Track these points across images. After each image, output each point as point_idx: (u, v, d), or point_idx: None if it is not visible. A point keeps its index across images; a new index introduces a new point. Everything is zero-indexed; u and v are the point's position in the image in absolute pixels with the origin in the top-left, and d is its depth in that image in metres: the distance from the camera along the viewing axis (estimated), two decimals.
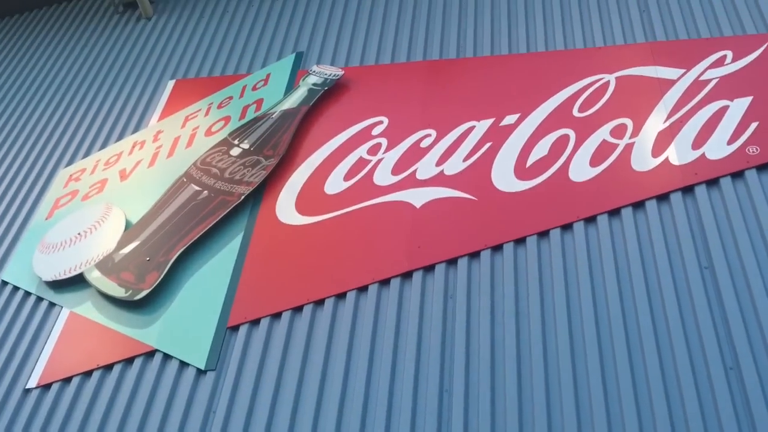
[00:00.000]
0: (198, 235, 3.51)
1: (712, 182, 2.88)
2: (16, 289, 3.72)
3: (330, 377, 2.84)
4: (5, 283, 3.78)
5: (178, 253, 3.46)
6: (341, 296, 3.08)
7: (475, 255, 3.00)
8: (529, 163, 3.23)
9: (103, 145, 4.40)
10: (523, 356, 2.64)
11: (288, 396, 2.83)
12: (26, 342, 3.43)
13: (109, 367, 3.17)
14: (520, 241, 2.98)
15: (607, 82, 3.42)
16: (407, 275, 3.04)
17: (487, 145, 3.37)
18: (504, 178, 3.21)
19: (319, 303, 3.09)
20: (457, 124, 3.53)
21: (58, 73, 5.13)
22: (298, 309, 3.10)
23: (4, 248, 4.00)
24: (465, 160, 3.36)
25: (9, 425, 3.10)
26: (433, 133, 3.55)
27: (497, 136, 3.40)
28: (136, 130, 4.41)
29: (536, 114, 3.39)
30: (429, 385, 2.67)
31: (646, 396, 2.42)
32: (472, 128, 3.48)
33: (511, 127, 3.40)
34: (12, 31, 5.77)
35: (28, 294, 3.67)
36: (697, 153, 2.97)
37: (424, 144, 3.52)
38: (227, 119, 4.17)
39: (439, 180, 3.33)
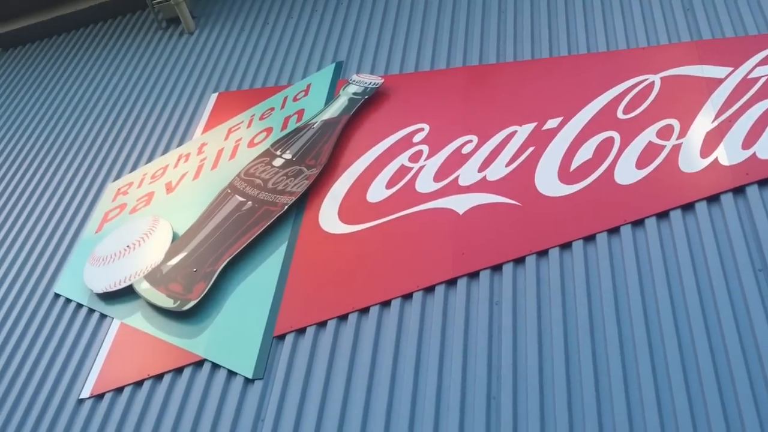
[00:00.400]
0: (243, 245, 3.55)
1: (764, 182, 2.81)
2: (68, 301, 3.82)
3: (376, 385, 2.84)
4: (58, 295, 3.88)
5: (224, 264, 3.51)
6: (386, 304, 3.09)
7: (520, 261, 2.98)
8: (574, 166, 3.19)
9: (150, 159, 4.49)
10: (571, 363, 2.60)
11: (335, 404, 2.84)
12: (79, 353, 3.51)
13: (159, 377, 3.22)
14: (566, 246, 2.94)
15: (652, 83, 3.36)
16: (452, 282, 3.03)
17: (530, 149, 3.35)
18: (548, 182, 3.18)
19: (364, 311, 3.10)
20: (499, 129, 3.51)
21: (105, 89, 5.26)
22: (344, 317, 3.11)
23: (56, 261, 4.11)
24: (507, 165, 3.34)
25: None
26: (475, 138, 3.53)
27: (540, 140, 3.37)
28: (181, 143, 4.49)
29: (579, 117, 3.35)
30: (476, 392, 2.65)
31: (701, 406, 2.35)
32: (513, 133, 3.46)
33: (554, 131, 3.36)
34: (60, 49, 5.93)
35: (80, 306, 3.75)
36: (748, 153, 2.90)
37: (465, 150, 3.51)
38: (269, 130, 4.22)
39: (481, 186, 3.31)
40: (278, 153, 4.00)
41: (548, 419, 2.50)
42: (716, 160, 2.94)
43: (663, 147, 3.08)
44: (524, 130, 3.44)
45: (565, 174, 3.18)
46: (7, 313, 3.91)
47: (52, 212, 4.45)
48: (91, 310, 3.69)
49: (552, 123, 3.39)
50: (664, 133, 3.13)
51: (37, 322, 3.78)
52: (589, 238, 2.94)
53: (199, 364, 3.20)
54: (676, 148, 3.05)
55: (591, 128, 3.29)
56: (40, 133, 5.17)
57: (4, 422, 3.33)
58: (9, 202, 4.70)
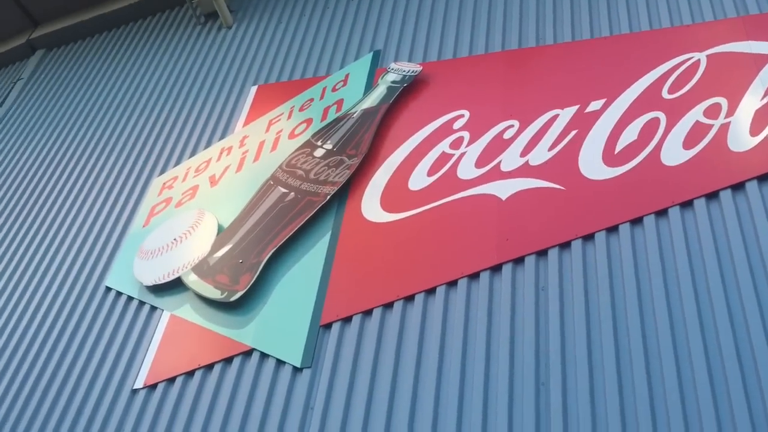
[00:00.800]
0: (287, 236, 3.59)
1: None
2: (119, 294, 3.91)
3: (424, 372, 2.85)
4: (109, 289, 3.97)
5: (269, 255, 3.55)
6: (431, 291, 3.09)
7: (566, 245, 2.95)
8: (618, 149, 3.14)
9: (193, 153, 4.56)
10: (621, 346, 2.57)
11: (383, 391, 2.86)
12: (131, 344, 3.59)
13: (209, 367, 3.28)
14: (613, 230, 2.91)
15: (698, 61, 3.29)
16: (497, 268, 3.02)
17: (573, 132, 3.31)
18: (592, 165, 3.14)
19: (410, 299, 3.11)
20: (541, 113, 3.47)
21: (147, 85, 5.34)
22: (389, 305, 3.13)
23: (106, 256, 4.20)
24: (550, 149, 3.31)
25: (120, 424, 3.26)
26: (516, 123, 3.50)
27: (583, 123, 3.32)
28: (222, 136, 4.54)
29: (623, 98, 3.29)
30: (525, 378, 2.65)
31: (756, 390, 2.31)
32: (556, 117, 3.42)
33: (597, 113, 3.32)
34: (102, 48, 6.04)
35: (130, 299, 3.84)
36: None
37: (507, 135, 3.48)
38: (309, 121, 4.25)
39: (524, 171, 3.28)
40: (319, 143, 4.02)
41: (599, 404, 2.48)
42: (766, 138, 2.86)
43: (711, 126, 3.01)
44: (566, 113, 3.40)
45: (610, 156, 3.13)
46: (61, 308, 4.02)
47: (101, 208, 4.55)
48: (141, 303, 3.78)
49: (595, 105, 3.35)
50: (712, 112, 3.06)
51: (90, 315, 3.88)
52: (637, 221, 2.90)
53: (248, 353, 3.25)
54: (725, 127, 2.98)
55: (635, 109, 3.23)
56: (86, 132, 5.28)
57: (62, 412, 3.44)
58: (58, 201, 4.82)
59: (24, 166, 5.32)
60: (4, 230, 4.82)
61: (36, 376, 3.69)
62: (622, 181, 3.03)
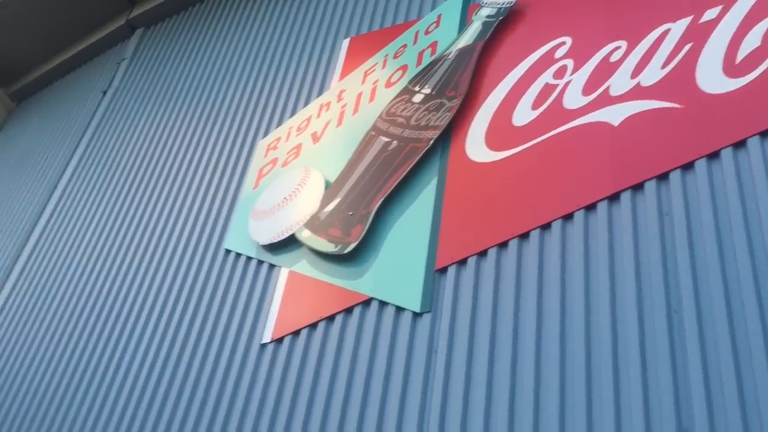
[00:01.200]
0: (394, 185, 3.58)
1: None
2: (238, 256, 4.05)
3: (546, 308, 2.79)
4: (228, 251, 4.12)
5: (378, 204, 3.56)
6: (546, 227, 3.01)
7: (688, 166, 2.78)
8: (740, 57, 2.91)
9: (293, 112, 4.61)
10: (758, 264, 2.41)
11: (506, 331, 2.82)
12: (255, 302, 3.73)
13: (331, 318, 3.36)
14: (740, 144, 2.71)
15: None
16: (614, 197, 2.89)
17: (687, 46, 3.09)
18: (711, 78, 2.93)
19: (524, 236, 3.04)
20: (650, 30, 3.26)
21: (242, 51, 5.44)
22: (504, 245, 3.07)
23: (222, 220, 4.36)
24: (663, 67, 3.11)
25: (253, 377, 3.40)
26: (623, 44, 3.31)
27: (698, 35, 3.09)
28: (320, 93, 4.56)
29: (742, 2, 3.03)
30: (655, 306, 2.54)
31: None
32: (667, 32, 3.20)
33: (713, 22, 3.08)
34: (197, 19, 6.18)
35: (249, 259, 3.97)
36: None
37: (614, 58, 3.30)
38: (404, 68, 4.19)
39: (636, 93, 3.11)
40: (416, 89, 3.96)
41: (738, 327, 2.35)
42: None
43: None
44: (679, 27, 3.17)
45: (731, 67, 2.91)
46: (186, 273, 4.22)
47: (212, 175, 4.70)
48: (260, 262, 3.90)
49: (710, 14, 3.10)
50: None
51: (214, 278, 4.05)
52: (766, 133, 2.69)
53: (367, 303, 3.29)
54: None
55: (757, 12, 2.97)
56: (190, 103, 5.45)
57: (199, 369, 3.63)
58: (171, 173, 5.02)
59: (137, 143, 5.57)
60: (128, 210, 5.08)
61: (171, 337, 3.91)
62: (747, 91, 2.81)
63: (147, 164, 5.30)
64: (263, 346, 3.49)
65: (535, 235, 3.01)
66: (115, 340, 4.21)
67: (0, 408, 4.48)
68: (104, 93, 6.44)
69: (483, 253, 3.11)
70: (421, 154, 3.61)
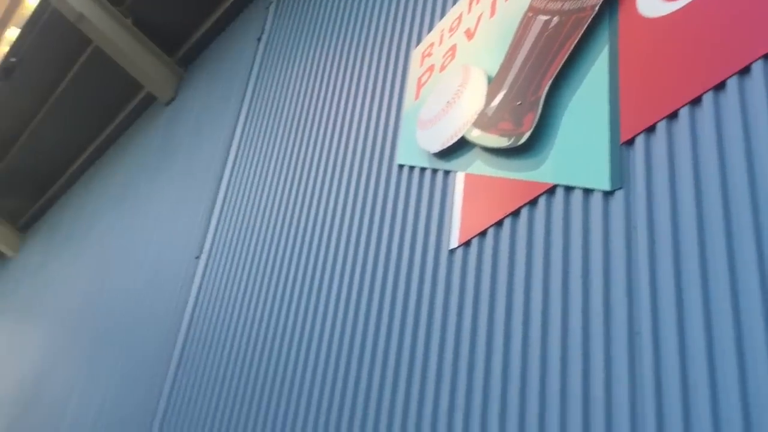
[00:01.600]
0: (561, 63, 3.32)
1: None
2: (412, 168, 4.01)
3: (759, 170, 2.45)
4: (402, 166, 4.09)
5: (547, 87, 3.32)
6: (745, 71, 2.63)
7: None
8: None
9: (442, 14, 4.42)
10: None
11: (713, 190, 2.53)
12: (436, 210, 3.68)
13: (516, 213, 3.23)
14: None
15: None
16: None
17: None
18: None
19: (720, 87, 2.68)
20: None
21: None
22: (697, 100, 2.74)
23: (390, 137, 4.33)
24: None
25: (446, 283, 3.38)
26: None
27: None
28: None
29: None
30: None
31: None
32: None
33: None
34: None
35: (423, 170, 3.92)
36: None
37: None
38: None
39: None
40: None
41: None
42: None
43: None
44: None
45: None
46: (365, 195, 4.28)
47: (372, 94, 4.68)
48: (434, 171, 3.83)
49: None
50: None
51: (392, 194, 4.06)
52: None
53: (551, 191, 3.12)
54: None
55: None
56: (340, 29, 5.43)
57: (394, 280, 3.68)
58: (333, 103, 5.07)
59: (297, 80, 5.67)
60: (300, 146, 5.22)
61: (363, 251, 4.01)
62: None
63: (309, 100, 5.40)
64: (452, 251, 3.45)
65: (733, 82, 2.64)
66: (314, 265, 4.39)
67: (209, 340, 4.89)
68: (258, 40, 6.61)
69: (674, 115, 2.79)
70: (587, 24, 3.29)
